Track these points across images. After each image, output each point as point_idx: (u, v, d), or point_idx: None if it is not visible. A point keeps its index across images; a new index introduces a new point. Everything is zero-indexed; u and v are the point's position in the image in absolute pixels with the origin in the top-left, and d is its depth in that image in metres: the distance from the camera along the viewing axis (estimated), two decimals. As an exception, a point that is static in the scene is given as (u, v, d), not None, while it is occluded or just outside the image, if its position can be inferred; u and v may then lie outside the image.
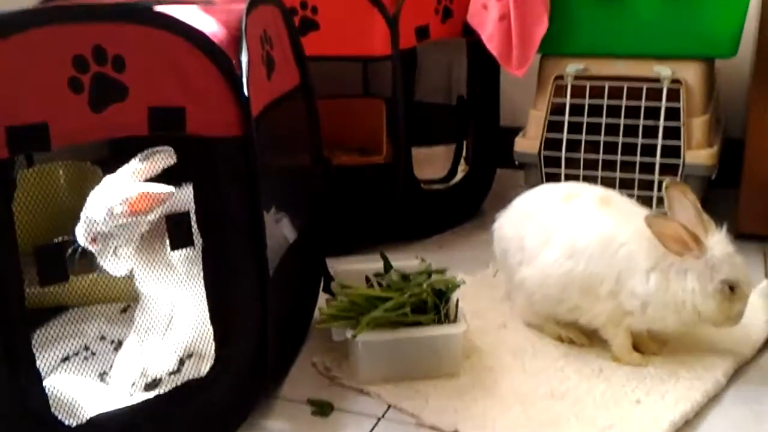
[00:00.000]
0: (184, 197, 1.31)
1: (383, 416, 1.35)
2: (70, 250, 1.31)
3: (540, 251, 1.51)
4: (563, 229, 1.49)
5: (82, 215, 1.33)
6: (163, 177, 1.35)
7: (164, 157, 1.35)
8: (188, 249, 1.29)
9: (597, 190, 1.56)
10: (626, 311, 1.44)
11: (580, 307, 1.48)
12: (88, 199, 1.33)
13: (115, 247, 1.32)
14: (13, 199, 1.10)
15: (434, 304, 1.45)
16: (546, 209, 1.56)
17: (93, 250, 1.33)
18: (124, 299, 1.57)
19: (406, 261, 1.61)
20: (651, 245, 1.41)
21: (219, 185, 1.23)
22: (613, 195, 1.54)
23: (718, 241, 1.40)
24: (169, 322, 1.39)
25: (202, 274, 1.27)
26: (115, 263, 1.34)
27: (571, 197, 1.55)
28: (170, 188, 1.30)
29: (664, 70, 1.93)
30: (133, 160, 1.36)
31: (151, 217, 1.32)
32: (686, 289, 1.39)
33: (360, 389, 1.42)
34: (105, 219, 1.30)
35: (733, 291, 1.39)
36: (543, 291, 1.51)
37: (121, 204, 1.29)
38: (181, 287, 1.34)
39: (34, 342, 1.07)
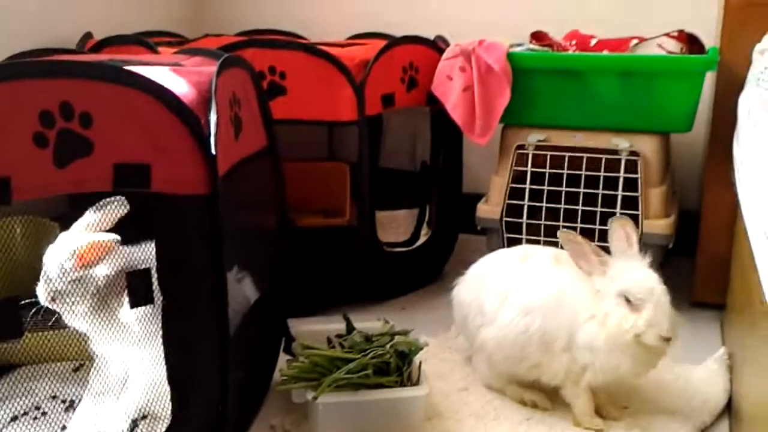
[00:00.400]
0: (145, 254, 1.30)
1: (343, 481, 1.33)
2: (33, 310, 1.29)
3: (498, 313, 1.54)
4: (518, 289, 1.53)
5: (42, 274, 1.31)
6: (125, 234, 1.34)
7: (117, 207, 1.34)
8: (145, 307, 1.27)
9: (551, 250, 1.60)
10: (581, 365, 1.45)
11: (540, 365, 1.49)
12: (45, 257, 1.32)
13: (71, 304, 1.29)
14: (-32, 253, 1.08)
15: (397, 366, 1.45)
16: (502, 271, 1.60)
17: (56, 309, 1.31)
18: (77, 358, 1.54)
19: (368, 323, 1.61)
20: (589, 294, 1.44)
21: (183, 242, 1.22)
22: (564, 254, 1.57)
23: (624, 261, 1.43)
24: (123, 383, 1.36)
25: (159, 332, 1.25)
26: (75, 320, 1.31)
27: (526, 258, 1.59)
28: (115, 236, 1.30)
29: (622, 143, 1.99)
30: (86, 213, 1.35)
31: (103, 270, 1.30)
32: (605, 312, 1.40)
33: (320, 453, 1.40)
34: (59, 275, 1.28)
35: (629, 303, 1.38)
36: (503, 351, 1.52)
37: (70, 257, 1.28)
38: (136, 347, 1.31)
39: (-17, 400, 1.04)
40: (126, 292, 1.28)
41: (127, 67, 1.20)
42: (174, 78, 1.31)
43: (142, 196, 1.18)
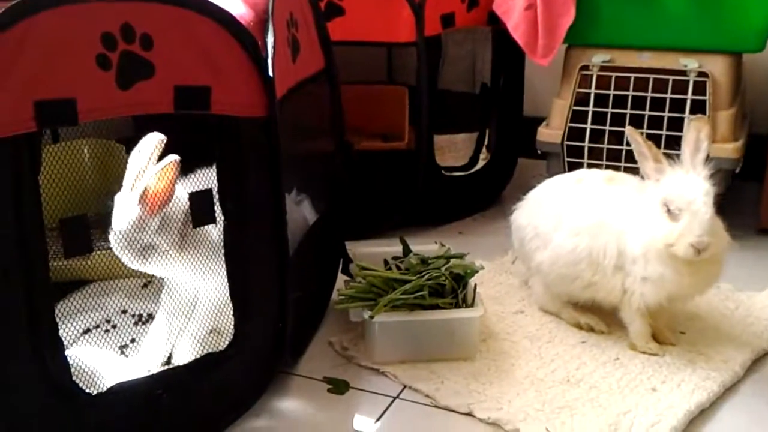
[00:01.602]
0: (206, 179, 1.31)
1: (398, 396, 1.37)
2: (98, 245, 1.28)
3: (552, 235, 1.54)
4: (570, 210, 1.53)
5: (115, 243, 1.27)
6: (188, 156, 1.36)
7: (153, 144, 1.29)
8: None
9: (606, 172, 1.60)
10: (633, 284, 1.44)
11: (593, 284, 1.49)
12: (113, 223, 1.27)
13: (165, 252, 1.28)
14: (39, 174, 1.12)
15: (452, 288, 1.46)
16: (557, 194, 1.60)
17: (150, 269, 1.30)
18: (146, 274, 1.59)
19: (425, 245, 1.62)
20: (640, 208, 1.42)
21: (242, 165, 1.24)
22: (620, 174, 1.56)
23: (683, 168, 1.39)
24: (192, 306, 1.40)
25: (219, 261, 1.29)
26: (171, 267, 1.31)
27: (580, 180, 1.59)
28: (173, 156, 1.24)
29: (691, 63, 1.92)
30: (129, 162, 1.31)
31: (179, 206, 1.29)
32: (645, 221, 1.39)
33: (376, 369, 1.43)
34: (140, 230, 1.25)
35: (669, 212, 1.35)
36: (556, 272, 1.54)
37: (142, 205, 1.25)
38: (209, 274, 1.33)
39: (56, 313, 1.09)
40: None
41: (185, -11, 1.20)
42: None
43: (202, 120, 1.20)
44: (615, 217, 1.46)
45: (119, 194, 1.30)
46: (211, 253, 1.33)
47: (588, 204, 1.51)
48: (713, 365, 1.42)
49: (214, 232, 1.32)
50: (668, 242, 1.35)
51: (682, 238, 1.33)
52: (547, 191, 1.65)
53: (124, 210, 1.27)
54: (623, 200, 1.47)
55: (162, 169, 1.25)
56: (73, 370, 1.11)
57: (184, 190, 1.31)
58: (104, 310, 1.52)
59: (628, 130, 1.43)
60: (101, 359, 1.32)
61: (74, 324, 1.41)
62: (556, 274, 1.54)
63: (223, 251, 1.28)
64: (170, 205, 1.29)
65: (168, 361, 1.37)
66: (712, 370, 1.40)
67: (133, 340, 1.43)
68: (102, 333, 1.45)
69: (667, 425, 1.25)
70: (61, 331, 1.09)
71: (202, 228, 1.30)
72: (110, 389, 1.14)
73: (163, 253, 1.28)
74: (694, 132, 1.40)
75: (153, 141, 1.30)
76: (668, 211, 1.36)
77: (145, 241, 1.27)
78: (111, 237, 1.27)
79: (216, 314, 1.35)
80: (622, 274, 1.46)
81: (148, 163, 1.29)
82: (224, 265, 1.27)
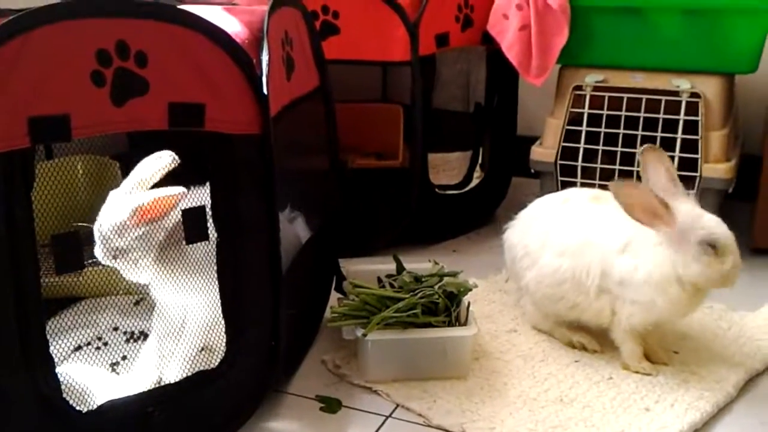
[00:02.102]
0: (199, 196, 1.31)
1: (391, 415, 1.36)
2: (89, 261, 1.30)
3: (540, 254, 1.55)
4: (556, 231, 1.54)
5: (97, 236, 1.30)
6: (179, 175, 1.36)
7: (166, 162, 1.32)
8: (205, 246, 1.30)
9: (591, 191, 1.61)
10: (621, 306, 1.45)
11: (578, 305, 1.50)
12: (99, 218, 1.30)
13: (135, 260, 1.30)
14: (32, 190, 1.12)
15: (445, 306, 1.46)
16: (545, 214, 1.61)
17: (117, 267, 1.31)
18: (138, 292, 1.59)
19: (418, 264, 1.62)
20: (620, 226, 1.43)
21: (235, 182, 1.24)
22: (606, 193, 1.54)
23: (685, 205, 1.40)
24: (181, 326, 1.39)
25: (209, 278, 1.29)
26: (138, 274, 1.32)
27: (567, 200, 1.60)
28: (181, 189, 1.28)
29: (683, 83, 1.93)
30: (135, 169, 1.34)
31: (166, 222, 1.30)
32: (666, 262, 1.39)
33: (368, 387, 1.43)
34: (118, 234, 1.27)
35: (715, 249, 1.37)
36: (542, 291, 1.54)
37: (132, 215, 1.27)
38: (195, 292, 1.34)
39: (47, 330, 1.08)
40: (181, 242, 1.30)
41: (181, 7, 1.21)
42: (227, 17, 1.32)
43: (195, 137, 1.20)
44: (600, 236, 1.47)
45: (115, 191, 1.32)
46: (192, 269, 1.32)
47: (573, 224, 1.52)
48: (706, 385, 1.42)
49: (199, 249, 1.32)
50: (718, 277, 1.38)
51: (733, 274, 1.38)
52: (537, 210, 1.65)
53: (114, 209, 1.28)
54: (609, 220, 1.47)
55: (166, 197, 1.27)
56: (63, 387, 1.10)
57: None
58: (96, 327, 1.52)
59: (613, 188, 1.40)
60: (92, 376, 1.31)
61: (65, 341, 1.41)
62: (542, 294, 1.55)
63: (210, 268, 1.27)
64: (158, 224, 1.29)
65: (159, 382, 1.36)
66: (705, 390, 1.40)
67: (124, 358, 1.42)
68: (93, 350, 1.45)
69: (661, 445, 1.25)
70: (52, 348, 1.08)
71: (183, 245, 1.30)
72: (101, 407, 1.13)
73: (134, 260, 1.29)
74: (659, 164, 1.41)
75: (166, 159, 1.31)
76: (712, 247, 1.36)
77: (121, 245, 1.28)
78: (95, 225, 1.29)
79: (206, 332, 1.34)
80: (607, 296, 1.46)
81: (152, 177, 1.31)
82: (213, 282, 1.26)
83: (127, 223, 1.27)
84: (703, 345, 1.56)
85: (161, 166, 1.32)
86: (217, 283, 1.26)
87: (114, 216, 1.28)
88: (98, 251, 1.29)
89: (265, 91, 1.23)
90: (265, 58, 1.25)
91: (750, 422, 1.35)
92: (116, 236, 1.27)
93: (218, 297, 1.26)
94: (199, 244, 1.29)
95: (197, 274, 1.32)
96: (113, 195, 1.32)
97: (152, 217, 1.28)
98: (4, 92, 1.00)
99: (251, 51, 1.24)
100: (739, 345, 1.56)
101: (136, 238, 1.28)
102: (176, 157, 1.32)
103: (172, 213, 1.30)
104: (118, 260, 1.29)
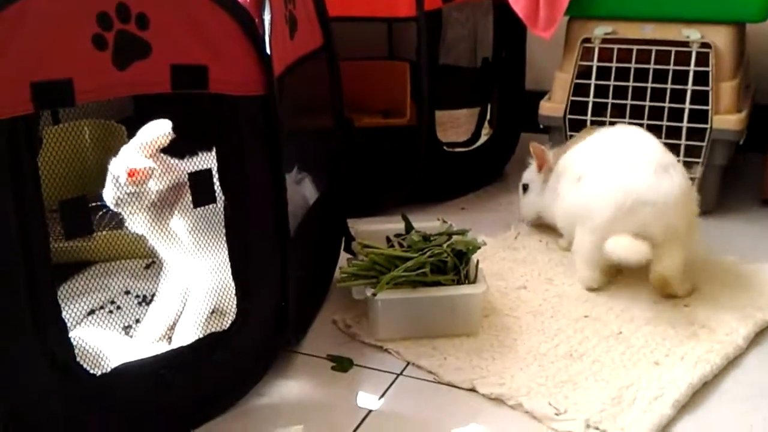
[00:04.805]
0: (202, 165, 1.31)
1: (401, 373, 1.37)
2: (100, 213, 1.32)
3: None
4: None
5: (108, 178, 1.33)
6: (188, 137, 1.36)
7: (164, 132, 1.31)
8: (195, 220, 1.32)
9: None
10: None
11: None
12: (110, 164, 1.33)
13: (130, 213, 1.32)
14: (38, 155, 1.12)
15: (454, 264, 1.46)
16: None
17: (119, 212, 1.33)
18: (148, 255, 1.60)
19: (427, 222, 1.62)
20: None
21: (241, 144, 1.24)
22: None
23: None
24: (186, 289, 1.40)
25: (217, 242, 1.30)
26: (136, 227, 1.35)
27: None
28: (151, 165, 1.29)
29: (693, 34, 1.90)
30: (140, 131, 1.33)
31: (155, 186, 1.31)
32: None
33: (379, 346, 1.44)
34: (117, 185, 1.30)
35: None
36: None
37: (124, 173, 1.29)
38: (192, 257, 1.35)
39: (59, 295, 1.09)
40: (177, 205, 1.32)
41: (181, -33, 1.19)
42: (227, -24, 1.30)
43: (200, 99, 1.19)
44: None
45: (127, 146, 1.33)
46: (199, 232, 1.33)
47: None
48: (716, 338, 1.42)
49: (207, 212, 1.33)
50: None
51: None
52: None
53: (118, 162, 1.30)
54: None
55: (137, 170, 1.28)
56: (77, 351, 1.11)
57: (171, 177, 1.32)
58: (108, 291, 1.53)
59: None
60: (105, 340, 1.33)
61: (78, 305, 1.42)
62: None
63: (218, 230, 1.28)
64: (147, 186, 1.31)
65: (169, 339, 1.38)
66: (715, 342, 1.40)
67: (137, 321, 1.43)
68: (106, 314, 1.46)
69: (670, 398, 1.25)
70: (65, 313, 1.09)
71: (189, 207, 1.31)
72: (114, 369, 1.15)
73: (130, 213, 1.32)
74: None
75: (160, 130, 1.31)
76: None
77: (120, 195, 1.30)
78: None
79: (215, 295, 1.35)
80: None
81: (148, 146, 1.30)
82: (222, 245, 1.27)
83: (121, 179, 1.29)
84: (712, 297, 1.56)
85: (161, 134, 1.31)
86: (225, 245, 1.26)
87: (117, 167, 1.30)
88: (106, 194, 1.32)
89: (268, 51, 1.22)
90: (267, 17, 1.23)
91: (760, 375, 1.35)
92: (117, 187, 1.30)
93: (227, 259, 1.26)
94: (206, 207, 1.29)
95: (205, 237, 1.33)
96: (125, 148, 1.33)
97: (137, 181, 1.29)
98: (6, 58, 0.99)
99: (253, 11, 1.22)
100: (749, 297, 1.56)
101: (128, 194, 1.30)
102: (169, 132, 1.31)
103: (162, 176, 1.31)
104: (119, 207, 1.32)
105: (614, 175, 1.54)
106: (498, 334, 1.45)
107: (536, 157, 1.83)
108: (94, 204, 1.26)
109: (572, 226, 1.63)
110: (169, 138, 1.31)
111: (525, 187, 1.89)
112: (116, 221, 1.40)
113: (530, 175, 1.88)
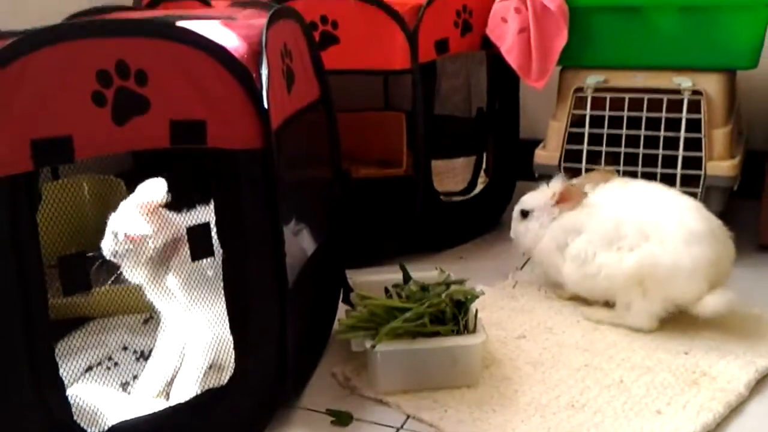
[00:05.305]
0: (199, 218, 1.32)
1: (402, 426, 1.36)
2: (97, 264, 1.32)
3: None
4: None
5: (107, 230, 1.34)
6: (186, 190, 1.37)
7: (160, 190, 1.34)
8: (189, 275, 1.32)
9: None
10: None
11: None
12: (110, 218, 1.35)
13: (129, 267, 1.33)
14: (37, 211, 1.12)
15: (453, 314, 1.45)
16: None
17: (117, 264, 1.35)
18: (146, 310, 1.59)
19: (425, 272, 1.62)
20: None
21: (239, 197, 1.24)
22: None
23: None
24: (183, 345, 1.40)
25: (213, 296, 1.30)
26: (132, 276, 1.36)
27: None
28: (146, 231, 1.31)
29: (684, 81, 1.93)
30: (137, 189, 1.36)
31: (152, 244, 1.32)
32: None
33: (379, 399, 1.42)
34: (117, 241, 1.32)
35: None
36: None
37: (122, 234, 1.32)
38: (188, 311, 1.35)
39: (57, 352, 1.08)
40: (172, 259, 1.32)
41: (179, 23, 1.21)
42: (225, 32, 1.32)
43: (198, 154, 1.20)
44: None
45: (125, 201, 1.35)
46: (197, 286, 1.34)
47: None
48: (717, 386, 1.41)
49: (204, 265, 1.34)
50: None
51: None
52: None
53: (117, 217, 1.34)
54: None
55: (132, 236, 1.32)
56: (74, 408, 1.10)
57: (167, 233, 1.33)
58: (106, 347, 1.52)
59: None
60: (103, 397, 1.31)
61: (76, 362, 1.41)
62: None
63: (216, 284, 1.28)
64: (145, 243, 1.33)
65: (167, 395, 1.37)
66: (717, 390, 1.39)
67: (135, 377, 1.42)
68: (104, 370, 1.45)
69: (674, 448, 1.24)
70: (63, 370, 1.09)
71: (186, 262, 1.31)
72: (111, 428, 1.13)
73: (128, 267, 1.33)
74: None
75: (157, 190, 1.33)
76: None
77: (118, 249, 1.32)
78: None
79: (213, 349, 1.34)
80: None
81: (146, 206, 1.32)
82: (219, 298, 1.26)
83: (119, 235, 1.31)
84: (712, 344, 1.55)
85: (158, 192, 1.33)
86: (221, 298, 1.26)
87: (116, 223, 1.32)
88: (105, 245, 1.34)
89: (266, 105, 1.23)
90: (264, 71, 1.24)
91: (762, 423, 1.34)
92: (115, 242, 1.32)
93: (225, 313, 1.26)
94: (204, 260, 1.29)
95: (198, 291, 1.33)
96: (124, 204, 1.35)
97: (134, 240, 1.31)
98: (7, 115, 1.00)
99: (250, 65, 1.24)
100: (749, 343, 1.55)
101: (126, 250, 1.31)
102: (166, 187, 1.34)
103: (159, 233, 1.33)
104: (116, 259, 1.33)
105: (684, 243, 1.55)
106: (499, 385, 1.44)
107: (570, 196, 1.68)
108: (91, 254, 1.27)
109: (602, 285, 1.64)
110: (166, 198, 1.32)
111: (525, 213, 1.77)
112: (115, 276, 1.39)
113: (535, 201, 1.76)
